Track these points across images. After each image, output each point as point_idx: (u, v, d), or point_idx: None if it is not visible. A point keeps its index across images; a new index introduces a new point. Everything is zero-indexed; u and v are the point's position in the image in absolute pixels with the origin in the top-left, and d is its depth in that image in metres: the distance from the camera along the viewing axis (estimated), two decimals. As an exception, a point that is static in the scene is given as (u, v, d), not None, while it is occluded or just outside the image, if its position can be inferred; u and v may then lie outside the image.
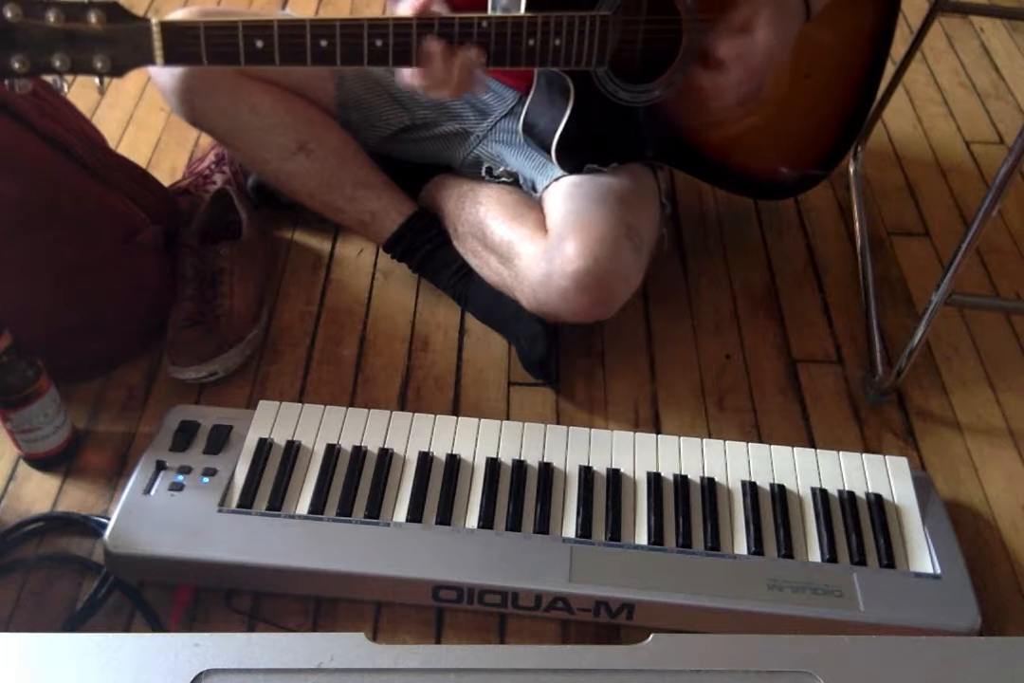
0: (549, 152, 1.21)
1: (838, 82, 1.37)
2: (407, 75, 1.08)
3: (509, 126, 1.32)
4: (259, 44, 1.00)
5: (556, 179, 1.26)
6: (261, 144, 1.31)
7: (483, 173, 1.34)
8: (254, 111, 1.28)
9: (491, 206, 1.29)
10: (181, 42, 0.97)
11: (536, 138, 1.25)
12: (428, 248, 1.34)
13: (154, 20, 0.96)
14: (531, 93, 1.23)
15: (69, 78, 0.97)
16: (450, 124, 1.35)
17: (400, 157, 1.41)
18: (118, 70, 0.97)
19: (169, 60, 0.98)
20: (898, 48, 1.41)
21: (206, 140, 1.61)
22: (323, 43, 1.02)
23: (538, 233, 1.22)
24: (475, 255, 1.30)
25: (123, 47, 0.96)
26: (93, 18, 0.93)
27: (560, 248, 1.16)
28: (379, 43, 1.03)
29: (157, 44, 0.96)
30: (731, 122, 1.29)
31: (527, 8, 1.07)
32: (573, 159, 1.23)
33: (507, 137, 1.32)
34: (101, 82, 0.98)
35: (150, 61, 0.97)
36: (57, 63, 0.94)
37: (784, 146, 1.38)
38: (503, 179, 1.32)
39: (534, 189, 1.29)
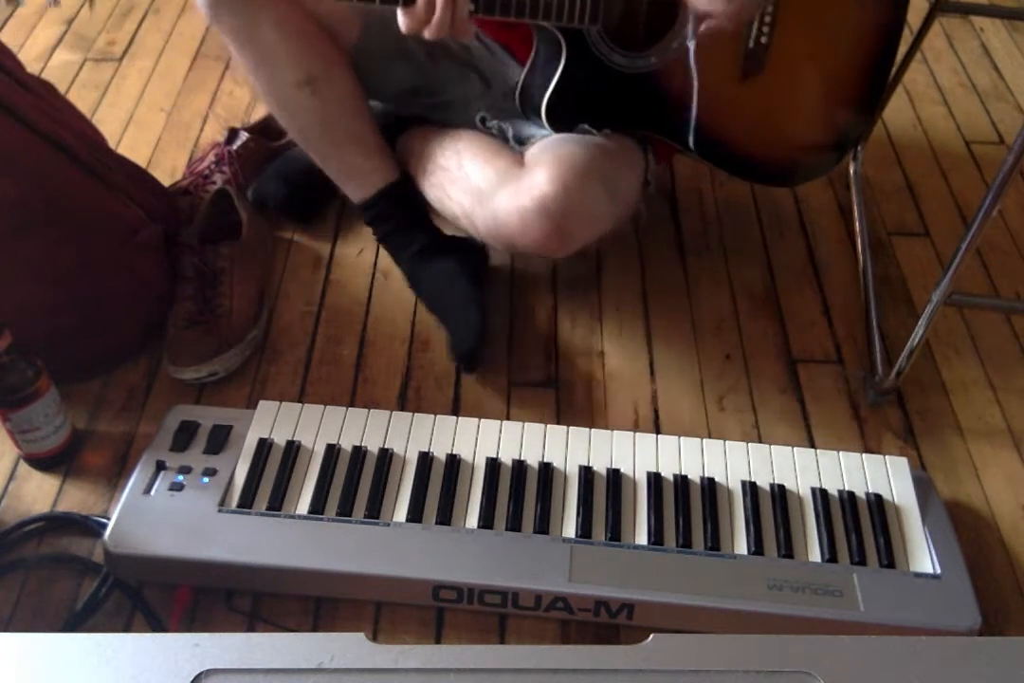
0: (540, 112, 1.21)
1: (845, 65, 1.34)
2: (399, 15, 1.07)
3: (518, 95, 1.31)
4: None
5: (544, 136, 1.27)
6: (270, 65, 1.26)
7: (479, 127, 1.34)
8: (278, 30, 1.24)
9: (470, 145, 1.29)
10: None
11: (529, 101, 1.24)
12: (397, 221, 1.33)
13: None
14: (528, 60, 1.22)
15: None
16: (456, 91, 1.35)
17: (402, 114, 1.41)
18: None
19: None
20: (898, 48, 1.40)
21: (206, 140, 1.61)
22: None
23: (513, 166, 1.22)
24: (437, 188, 1.29)
25: None
26: None
27: (532, 173, 1.17)
28: None
29: None
30: (729, 96, 1.27)
31: None
32: (563, 119, 1.23)
33: (512, 108, 1.32)
34: None
35: None
36: None
37: (784, 128, 1.36)
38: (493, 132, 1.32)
39: (527, 141, 1.29)
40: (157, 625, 1.01)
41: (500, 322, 1.38)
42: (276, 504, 1.06)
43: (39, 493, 1.14)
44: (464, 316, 1.28)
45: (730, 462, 1.14)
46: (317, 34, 1.27)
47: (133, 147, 1.61)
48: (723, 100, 1.28)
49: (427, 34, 1.08)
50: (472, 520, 1.06)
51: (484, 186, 1.22)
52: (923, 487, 1.14)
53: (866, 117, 1.43)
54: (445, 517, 1.06)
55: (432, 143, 1.33)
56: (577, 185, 1.15)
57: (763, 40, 1.24)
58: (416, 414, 1.18)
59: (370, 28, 1.31)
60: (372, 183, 1.32)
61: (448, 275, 1.30)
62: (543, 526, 1.06)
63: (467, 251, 1.36)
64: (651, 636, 0.67)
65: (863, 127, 1.44)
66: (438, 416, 1.17)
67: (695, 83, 1.22)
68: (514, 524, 1.06)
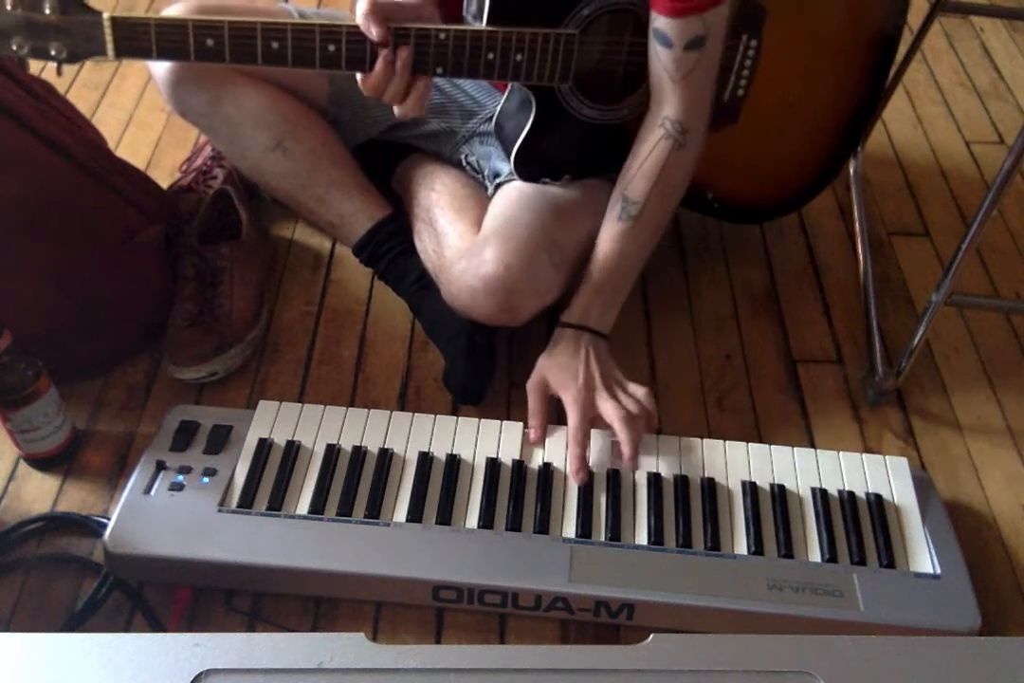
0: (510, 160, 1.24)
1: (825, 112, 1.35)
2: (359, 80, 1.09)
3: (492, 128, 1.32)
4: (209, 43, 1.02)
5: (510, 181, 1.29)
6: (241, 138, 1.31)
7: (465, 167, 1.36)
8: (237, 105, 1.28)
9: (443, 195, 1.32)
10: (131, 37, 1.01)
11: (502, 142, 1.27)
12: (391, 256, 1.34)
13: (106, 15, 1.00)
14: (505, 95, 1.23)
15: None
16: (437, 122, 1.36)
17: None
18: (73, 58, 1.02)
19: (120, 53, 1.02)
20: (898, 48, 1.40)
21: (205, 140, 1.61)
22: (274, 45, 1.03)
23: (472, 230, 1.25)
24: (419, 236, 1.32)
25: (77, 37, 1.00)
26: (47, 8, 0.98)
27: (480, 250, 1.19)
28: (331, 48, 1.05)
29: (108, 38, 1.00)
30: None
31: (488, 22, 1.07)
32: (531, 170, 1.25)
33: (490, 138, 1.33)
34: (59, 67, 1.03)
35: (102, 53, 1.01)
36: (14, 47, 1.00)
37: (758, 173, 1.37)
38: (477, 175, 1.35)
39: (494, 181, 1.31)
40: (157, 625, 1.01)
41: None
42: (276, 504, 1.06)
43: (39, 493, 1.14)
44: (455, 348, 1.27)
45: (730, 462, 1.14)
46: (277, 97, 1.31)
47: (133, 147, 1.62)
48: None
49: (385, 99, 1.09)
50: (472, 520, 1.06)
51: (447, 253, 1.25)
52: (923, 487, 1.14)
53: (843, 159, 1.43)
54: (445, 517, 1.06)
55: (414, 187, 1.37)
56: (520, 264, 1.17)
57: (740, 93, 1.25)
58: (416, 414, 1.18)
59: (337, 77, 1.33)
60: (360, 224, 1.34)
61: (443, 304, 1.30)
62: (543, 526, 1.06)
63: None
64: (651, 636, 0.67)
65: (840, 168, 1.44)
66: (438, 416, 1.17)
67: None
68: (514, 524, 1.06)
